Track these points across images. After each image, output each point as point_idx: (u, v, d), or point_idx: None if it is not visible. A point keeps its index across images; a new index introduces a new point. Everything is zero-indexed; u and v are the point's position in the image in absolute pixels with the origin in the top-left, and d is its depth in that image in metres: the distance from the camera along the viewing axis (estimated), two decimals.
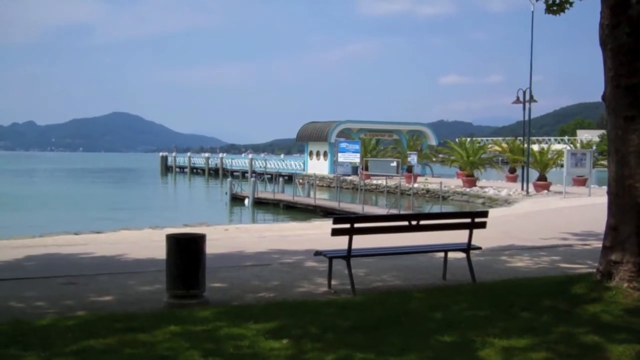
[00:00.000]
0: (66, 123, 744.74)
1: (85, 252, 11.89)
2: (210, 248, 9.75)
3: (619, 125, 7.20)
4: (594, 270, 7.62)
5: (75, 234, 15.77)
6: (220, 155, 79.55)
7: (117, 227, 18.15)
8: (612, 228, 7.28)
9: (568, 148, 38.41)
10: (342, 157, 50.74)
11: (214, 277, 8.80)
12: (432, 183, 39.03)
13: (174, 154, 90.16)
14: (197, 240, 7.41)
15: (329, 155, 54.26)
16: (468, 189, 35.57)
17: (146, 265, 10.20)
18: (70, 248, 12.49)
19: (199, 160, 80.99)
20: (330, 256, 8.35)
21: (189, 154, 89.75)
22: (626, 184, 7.13)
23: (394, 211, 24.67)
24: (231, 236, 14.90)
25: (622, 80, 7.17)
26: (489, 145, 49.62)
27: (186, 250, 7.32)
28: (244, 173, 63.20)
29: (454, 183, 38.90)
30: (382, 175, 38.93)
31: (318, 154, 56.36)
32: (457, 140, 45.09)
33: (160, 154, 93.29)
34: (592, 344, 5.58)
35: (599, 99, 7.85)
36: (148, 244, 12.98)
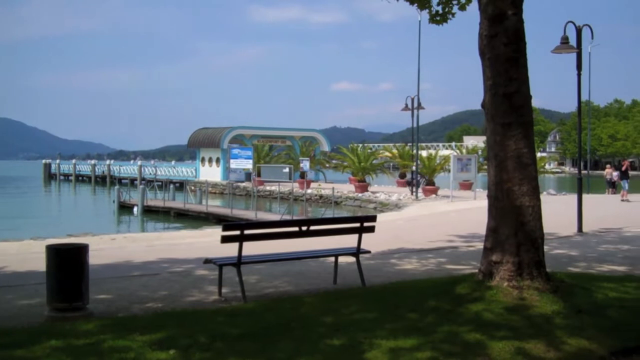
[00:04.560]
0: None
1: None
2: (96, 258, 9.36)
3: (497, 131, 7.51)
4: (477, 270, 7.90)
5: None
6: (108, 162, 77.24)
7: None
8: (492, 230, 7.57)
9: (454, 154, 39.85)
10: (234, 164, 50.44)
11: (98, 288, 8.50)
12: (325, 189, 39.45)
13: (57, 161, 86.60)
14: (79, 251, 7.14)
15: (221, 161, 53.80)
16: (360, 194, 36.22)
17: (26, 278, 9.70)
18: None
19: (85, 168, 78.42)
20: (220, 264, 8.26)
21: (73, 160, 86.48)
22: (505, 187, 7.44)
23: (287, 217, 24.73)
24: (118, 246, 14.44)
25: (500, 89, 7.48)
26: (380, 151, 50.68)
27: (67, 262, 7.03)
28: (133, 180, 61.57)
29: (346, 188, 39.51)
30: (275, 182, 39.00)
31: (210, 160, 55.78)
32: (349, 146, 45.83)
33: (43, 161, 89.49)
34: (475, 341, 5.78)
35: None
36: (28, 255, 12.35)
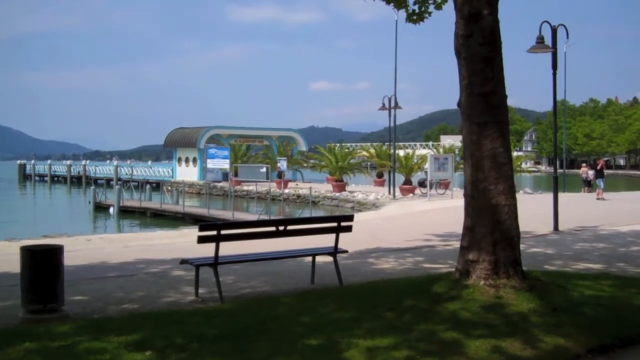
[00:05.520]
0: None
1: None
2: (71, 260, 9.24)
3: (473, 130, 7.55)
4: (454, 269, 7.94)
5: None
6: (84, 162, 76.60)
7: None
8: (469, 229, 7.61)
9: (431, 153, 39.97)
10: (211, 164, 50.23)
11: (74, 290, 8.41)
12: (302, 188, 39.42)
13: (32, 161, 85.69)
14: (54, 252, 7.08)
15: (198, 161, 53.54)
16: (338, 194, 36.24)
17: (0, 280, 9.56)
18: None
19: (61, 168, 77.70)
20: (197, 264, 8.20)
21: (49, 161, 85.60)
22: (481, 186, 7.48)
23: (264, 217, 24.67)
24: (94, 247, 14.30)
25: (476, 88, 7.52)
26: (358, 151, 50.73)
27: (42, 263, 6.96)
28: (109, 181, 61.03)
29: (324, 188, 39.51)
30: (253, 181, 38.91)
31: (187, 160, 55.49)
32: (327, 146, 45.84)
33: (18, 161, 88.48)
34: (451, 340, 5.81)
35: None
36: (3, 257, 12.15)
